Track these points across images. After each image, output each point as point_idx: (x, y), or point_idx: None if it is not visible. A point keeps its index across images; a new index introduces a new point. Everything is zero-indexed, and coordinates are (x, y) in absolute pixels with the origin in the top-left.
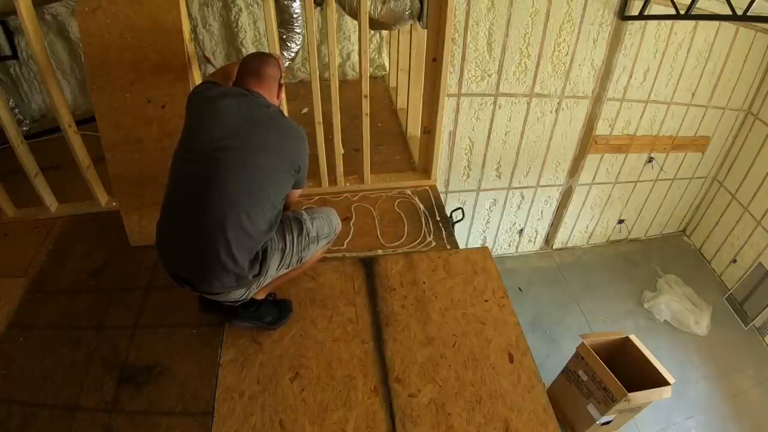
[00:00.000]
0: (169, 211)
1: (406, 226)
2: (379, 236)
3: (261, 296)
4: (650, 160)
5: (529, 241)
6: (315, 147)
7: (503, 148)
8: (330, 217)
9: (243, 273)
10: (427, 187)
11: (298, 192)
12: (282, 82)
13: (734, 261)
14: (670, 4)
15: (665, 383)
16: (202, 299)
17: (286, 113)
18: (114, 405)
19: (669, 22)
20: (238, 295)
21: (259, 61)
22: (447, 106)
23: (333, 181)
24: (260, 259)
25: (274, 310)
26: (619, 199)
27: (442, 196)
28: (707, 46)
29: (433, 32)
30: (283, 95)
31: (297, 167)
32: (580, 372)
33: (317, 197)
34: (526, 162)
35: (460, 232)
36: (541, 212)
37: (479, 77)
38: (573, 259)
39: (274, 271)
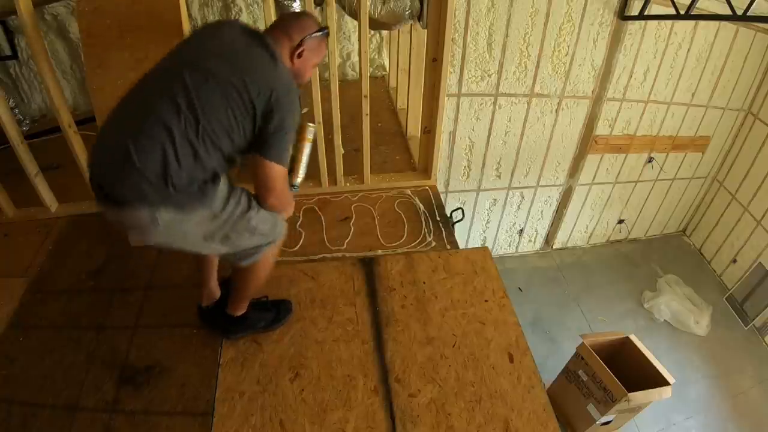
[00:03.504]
0: (105, 121)
1: (406, 226)
2: (379, 236)
3: (240, 311)
4: (650, 160)
5: (529, 241)
6: (315, 147)
7: (503, 148)
8: (276, 220)
9: (152, 179)
10: (427, 187)
11: (271, 166)
12: (301, 50)
13: (734, 261)
14: (670, 4)
15: (665, 383)
16: (201, 312)
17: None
18: (114, 405)
19: (669, 22)
20: (143, 218)
21: (289, 16)
22: (447, 106)
23: (333, 181)
24: (178, 187)
25: (266, 314)
26: (619, 199)
27: (442, 196)
28: (707, 46)
29: (433, 32)
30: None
31: (262, 121)
32: (580, 372)
33: (317, 197)
34: (526, 162)
35: (460, 232)
36: (541, 212)
37: (479, 77)
38: (573, 259)
39: (194, 227)
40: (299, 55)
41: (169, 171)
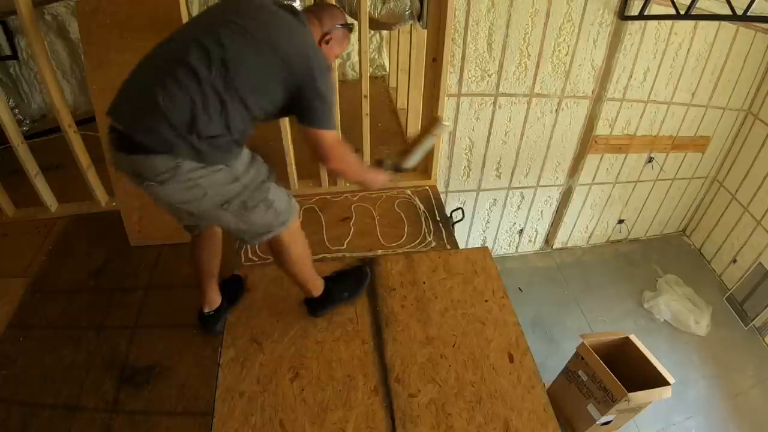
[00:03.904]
0: (134, 70)
1: (406, 226)
2: (379, 236)
3: (317, 290)
4: (650, 160)
5: (529, 241)
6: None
7: (503, 148)
8: (291, 201)
9: (178, 127)
10: (427, 187)
11: (317, 132)
12: (329, 37)
13: (734, 261)
14: (670, 4)
15: (665, 383)
16: (202, 318)
17: None
18: (114, 405)
19: (669, 22)
20: (165, 168)
21: (321, 4)
22: (447, 106)
23: (333, 181)
24: (204, 139)
25: (345, 285)
26: (619, 199)
27: (442, 196)
28: (707, 46)
29: (433, 32)
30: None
31: (296, 88)
32: (580, 372)
33: (317, 197)
34: (526, 162)
35: (460, 232)
36: (541, 212)
37: (479, 77)
38: (573, 259)
39: (214, 187)
40: (327, 42)
41: (197, 122)
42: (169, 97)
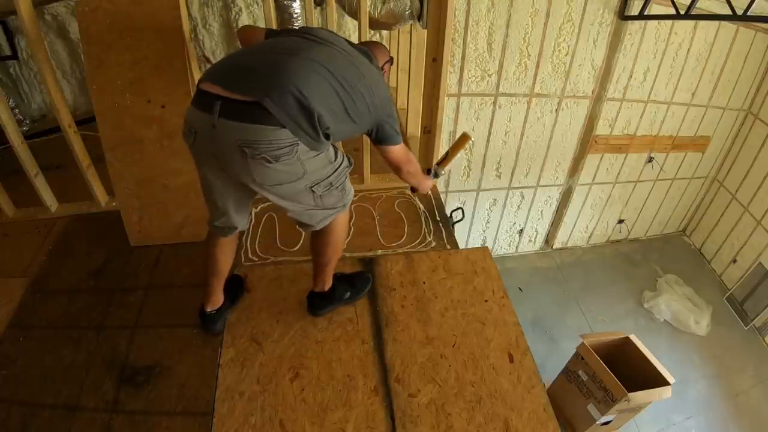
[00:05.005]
0: (237, 53)
1: (406, 226)
2: (379, 236)
3: (328, 285)
4: (650, 160)
5: (529, 241)
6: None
7: (503, 148)
8: (350, 186)
9: (310, 111)
10: None
11: (390, 149)
12: (383, 74)
13: (734, 261)
14: (670, 4)
15: (665, 383)
16: (204, 317)
17: None
18: (114, 405)
19: (669, 22)
20: (283, 141)
21: (373, 43)
22: (447, 106)
23: None
24: (318, 127)
25: (348, 286)
26: (619, 199)
27: (442, 196)
28: (707, 46)
29: (433, 32)
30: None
31: (378, 123)
32: (580, 372)
33: None
34: (526, 162)
35: (460, 232)
36: (541, 212)
37: (479, 77)
38: (573, 259)
39: (314, 168)
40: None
41: (324, 114)
42: (312, 85)
